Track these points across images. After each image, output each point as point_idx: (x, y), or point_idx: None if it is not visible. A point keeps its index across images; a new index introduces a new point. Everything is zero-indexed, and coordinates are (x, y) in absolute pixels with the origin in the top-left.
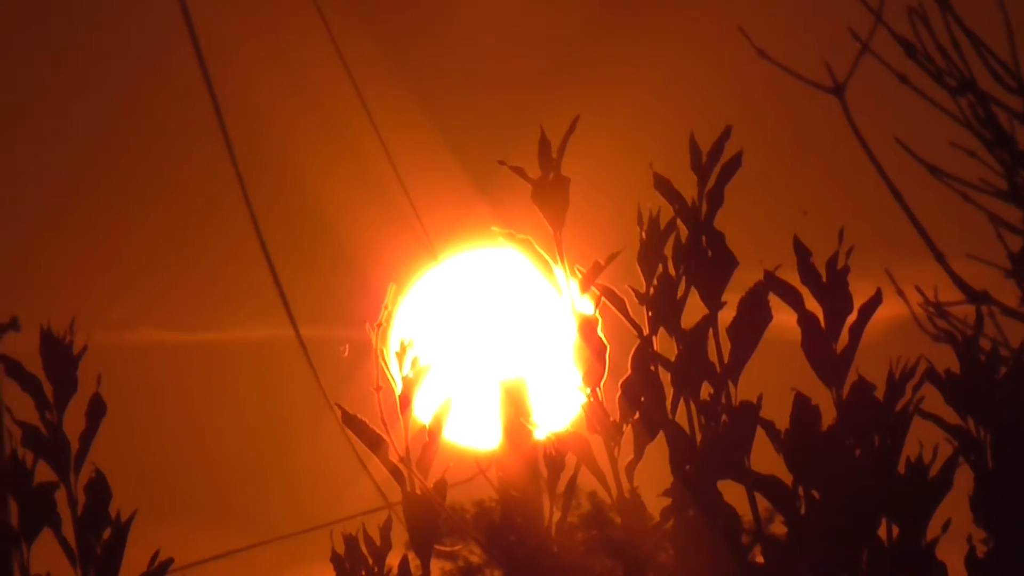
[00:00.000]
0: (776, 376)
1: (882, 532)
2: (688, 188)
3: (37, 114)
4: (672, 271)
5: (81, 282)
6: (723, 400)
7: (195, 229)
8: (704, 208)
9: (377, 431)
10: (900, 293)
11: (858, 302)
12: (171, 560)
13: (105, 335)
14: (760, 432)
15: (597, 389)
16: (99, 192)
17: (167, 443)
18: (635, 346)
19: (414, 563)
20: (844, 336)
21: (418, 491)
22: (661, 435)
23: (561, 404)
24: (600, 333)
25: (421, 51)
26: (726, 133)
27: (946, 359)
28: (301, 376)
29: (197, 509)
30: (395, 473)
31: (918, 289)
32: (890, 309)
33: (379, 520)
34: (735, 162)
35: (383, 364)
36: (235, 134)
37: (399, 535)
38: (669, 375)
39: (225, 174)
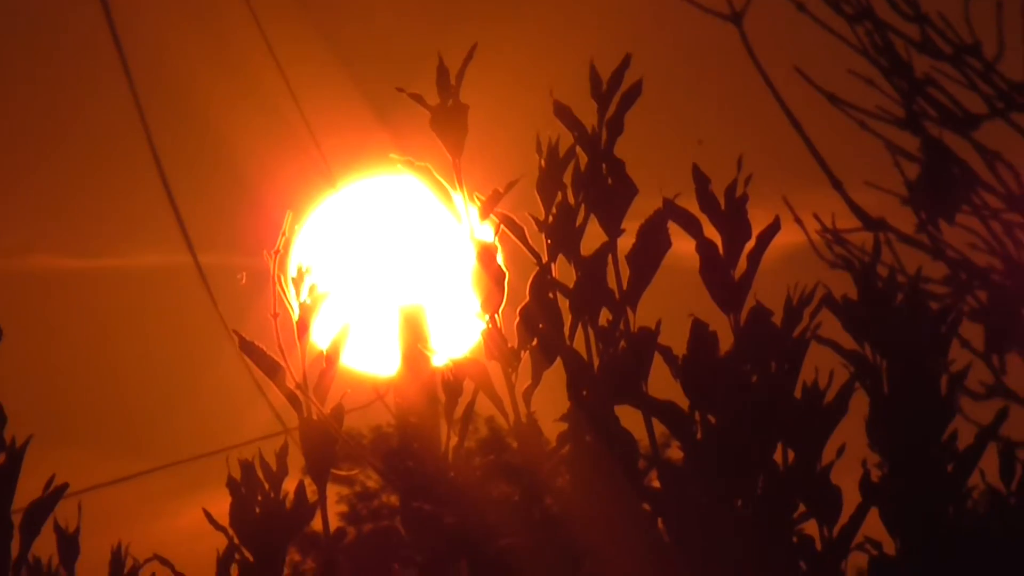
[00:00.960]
0: (675, 303)
1: (778, 457)
2: (588, 117)
3: None
4: (571, 199)
5: None
6: (621, 326)
7: (92, 155)
8: (604, 136)
9: (274, 358)
10: (798, 220)
11: (757, 230)
12: (66, 485)
13: (1, 261)
14: (658, 358)
15: (496, 316)
16: None
17: (64, 370)
18: (534, 273)
19: (310, 488)
20: (742, 263)
21: (315, 417)
22: (559, 361)
23: (459, 331)
24: (499, 260)
25: None
26: (626, 61)
27: (843, 286)
28: (199, 303)
29: (94, 436)
30: (292, 399)
31: (816, 216)
32: (788, 236)
33: (276, 446)
34: (635, 90)
35: (281, 290)
36: (133, 60)
37: (296, 461)
38: (568, 302)
39: (123, 99)
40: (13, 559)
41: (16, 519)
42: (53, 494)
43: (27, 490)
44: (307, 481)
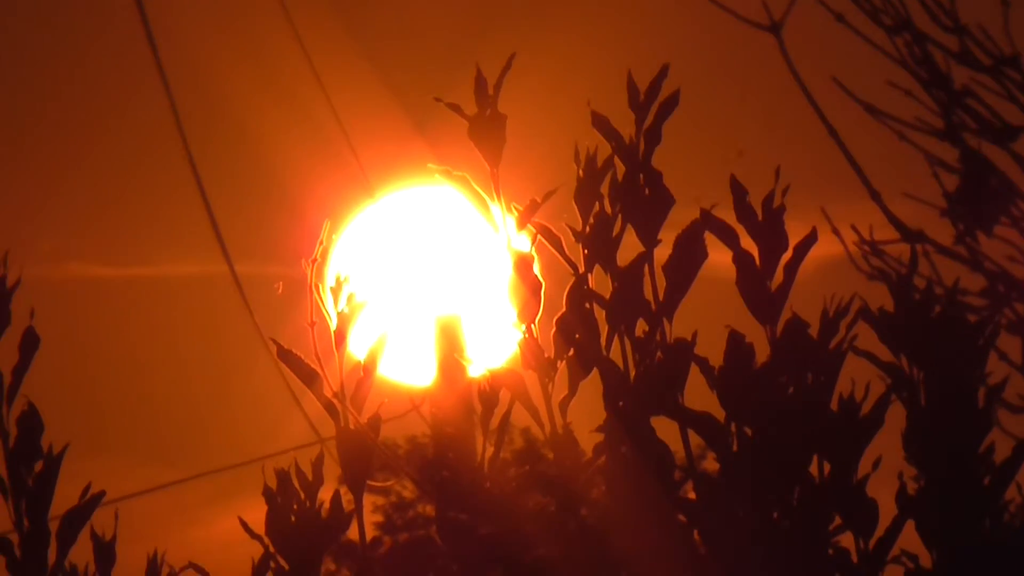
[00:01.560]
0: (711, 314)
1: (814, 469)
2: (625, 127)
3: None
4: (608, 209)
5: (12, 215)
6: (657, 337)
7: (129, 163)
8: (642, 146)
9: (312, 366)
10: (836, 232)
11: (794, 241)
12: (103, 493)
13: (37, 268)
14: (694, 369)
15: (532, 326)
16: (31, 125)
17: (100, 378)
18: (570, 283)
19: (346, 498)
20: (779, 274)
21: (352, 426)
22: (595, 372)
23: (496, 341)
24: (536, 270)
25: None
26: (663, 71)
27: (880, 298)
28: (235, 312)
29: (129, 444)
30: (329, 408)
31: (853, 228)
32: (826, 248)
33: (312, 455)
34: (672, 100)
35: (318, 299)
36: (171, 69)
37: (332, 470)
38: (604, 312)
39: (160, 108)
40: (50, 566)
41: (53, 526)
42: (90, 502)
43: (63, 497)
44: (343, 491)
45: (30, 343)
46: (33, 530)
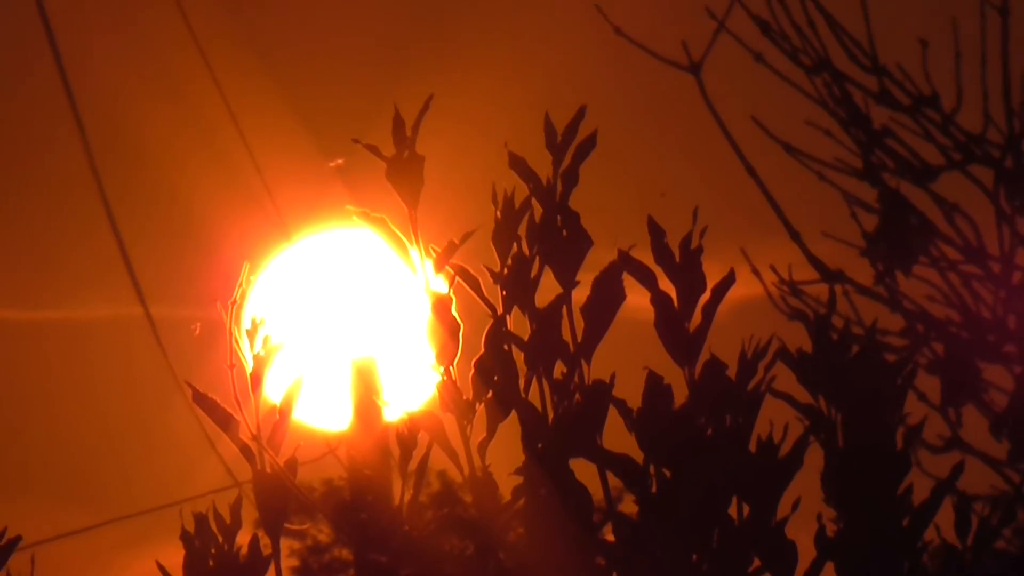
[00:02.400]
0: (629, 356)
1: (733, 511)
2: (543, 168)
3: None
4: (526, 250)
5: None
6: (576, 379)
7: (42, 205)
8: (559, 187)
9: (228, 410)
10: (755, 272)
11: (714, 282)
12: (19, 538)
13: None
14: (613, 411)
15: (450, 367)
16: None
17: (15, 421)
18: (489, 325)
19: (264, 541)
20: (697, 315)
21: (268, 470)
22: (514, 414)
23: (414, 383)
24: (454, 312)
25: (274, 30)
26: (581, 112)
27: (800, 338)
28: (150, 355)
29: (45, 487)
30: (245, 452)
31: (772, 268)
32: (746, 288)
33: (229, 499)
34: (590, 141)
35: (235, 342)
36: (85, 110)
37: (249, 514)
38: (523, 354)
39: (75, 150)
40: None
41: None
42: (6, 546)
43: None
44: (260, 534)
45: None
46: None
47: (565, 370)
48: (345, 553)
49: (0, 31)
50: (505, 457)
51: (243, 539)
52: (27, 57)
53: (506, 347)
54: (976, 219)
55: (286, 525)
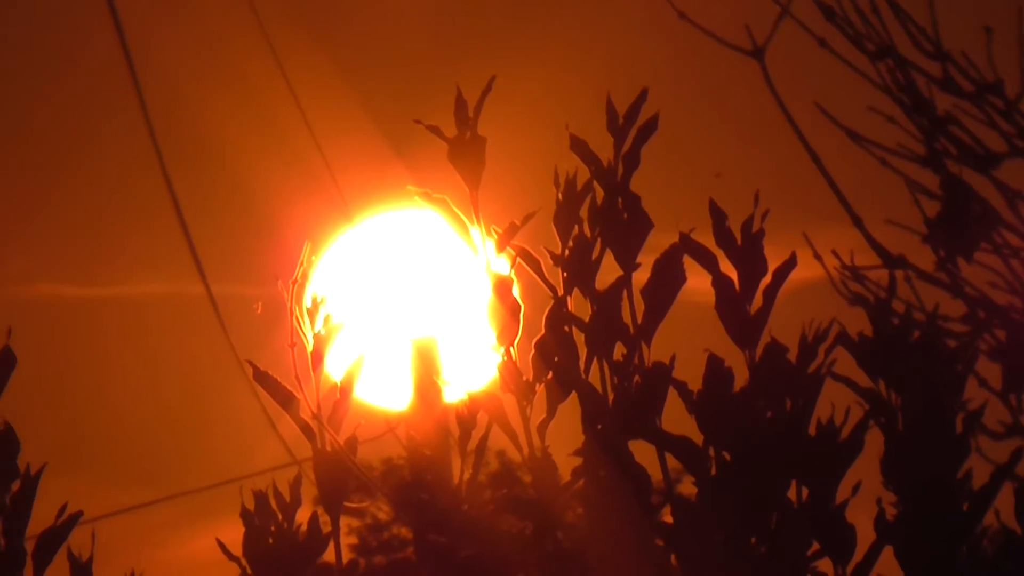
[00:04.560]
0: (689, 338)
1: (792, 494)
2: (605, 150)
3: None
4: (587, 232)
5: None
6: (636, 361)
7: (107, 184)
8: (620, 170)
9: (288, 388)
10: (817, 257)
11: (774, 265)
12: (80, 513)
13: (13, 289)
14: (672, 393)
15: (511, 348)
16: (6, 145)
17: (77, 398)
18: (549, 306)
19: (323, 519)
20: (758, 299)
21: (328, 448)
22: (574, 395)
23: (474, 364)
24: (515, 293)
25: (338, 11)
26: (643, 95)
27: (860, 323)
28: (212, 333)
29: (106, 464)
30: (306, 430)
31: (834, 253)
32: (806, 272)
33: (289, 476)
34: (651, 124)
35: (297, 321)
36: (149, 90)
37: (308, 492)
38: (583, 336)
39: (139, 130)
40: None
41: (29, 546)
42: (67, 522)
43: (40, 518)
44: (320, 512)
45: (6, 363)
46: (9, 550)
47: (625, 352)
48: (404, 532)
49: (68, 11)
50: (564, 438)
51: (303, 517)
52: (90, 35)
53: (567, 328)
54: None
55: (345, 503)
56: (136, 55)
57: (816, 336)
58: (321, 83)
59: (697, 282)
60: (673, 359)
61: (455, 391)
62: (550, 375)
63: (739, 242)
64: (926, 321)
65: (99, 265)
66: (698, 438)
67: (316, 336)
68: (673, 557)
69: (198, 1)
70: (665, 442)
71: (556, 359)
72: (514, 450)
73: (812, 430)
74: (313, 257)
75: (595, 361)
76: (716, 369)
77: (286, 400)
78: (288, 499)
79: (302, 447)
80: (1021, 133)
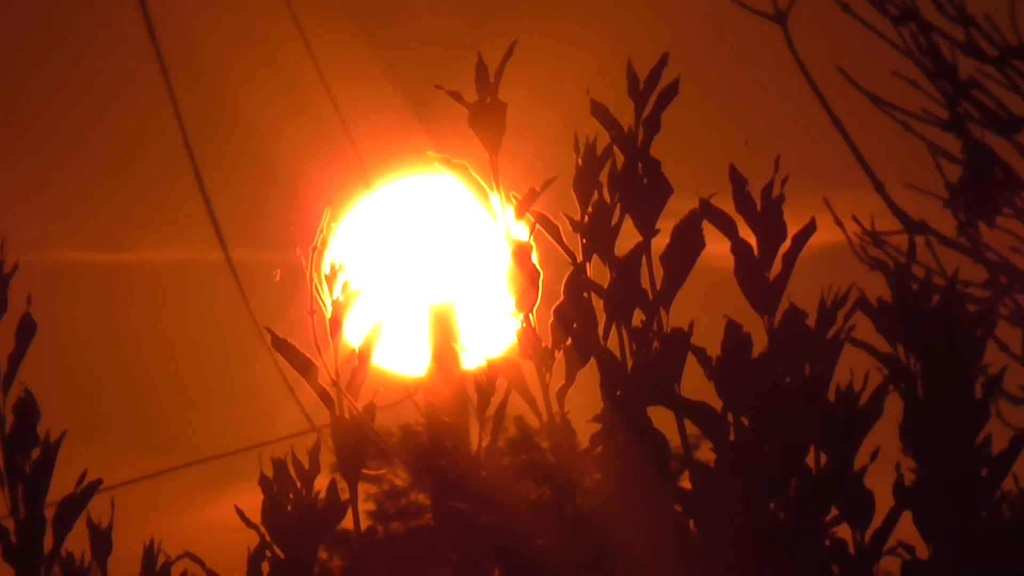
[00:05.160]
0: (709, 304)
1: (811, 460)
2: (625, 116)
3: None
4: (607, 198)
5: (6, 200)
6: (655, 327)
7: (126, 149)
8: (640, 135)
9: (307, 355)
10: (838, 222)
11: (794, 230)
12: (100, 481)
13: (33, 255)
14: (691, 359)
15: (530, 315)
16: (26, 111)
17: (95, 364)
18: (568, 273)
19: (342, 486)
20: (777, 264)
21: (347, 415)
22: (592, 361)
23: (492, 330)
24: (534, 259)
25: None
26: (663, 60)
27: (881, 289)
28: (231, 299)
29: (125, 431)
30: (324, 397)
31: (855, 218)
32: (826, 237)
33: (307, 444)
34: (672, 89)
35: (315, 288)
36: (169, 56)
37: (327, 459)
38: (602, 302)
39: (158, 95)
40: (46, 554)
41: (49, 514)
42: (86, 489)
43: (60, 485)
44: (338, 479)
45: (27, 330)
46: (29, 518)
47: (644, 318)
48: (422, 498)
49: None
50: (583, 404)
51: (321, 484)
52: (115, 8)
53: (586, 295)
54: None
55: (364, 470)
56: (157, 21)
57: (835, 301)
58: (341, 49)
59: (716, 248)
60: (692, 325)
61: (473, 357)
62: (569, 341)
63: (759, 207)
64: (946, 286)
65: (119, 231)
66: (717, 404)
67: (335, 303)
68: (692, 523)
69: None
70: (684, 408)
71: (575, 325)
72: (533, 416)
73: (831, 396)
74: (332, 223)
75: (614, 327)
76: (735, 335)
77: (305, 367)
78: (307, 466)
79: (321, 414)
80: None
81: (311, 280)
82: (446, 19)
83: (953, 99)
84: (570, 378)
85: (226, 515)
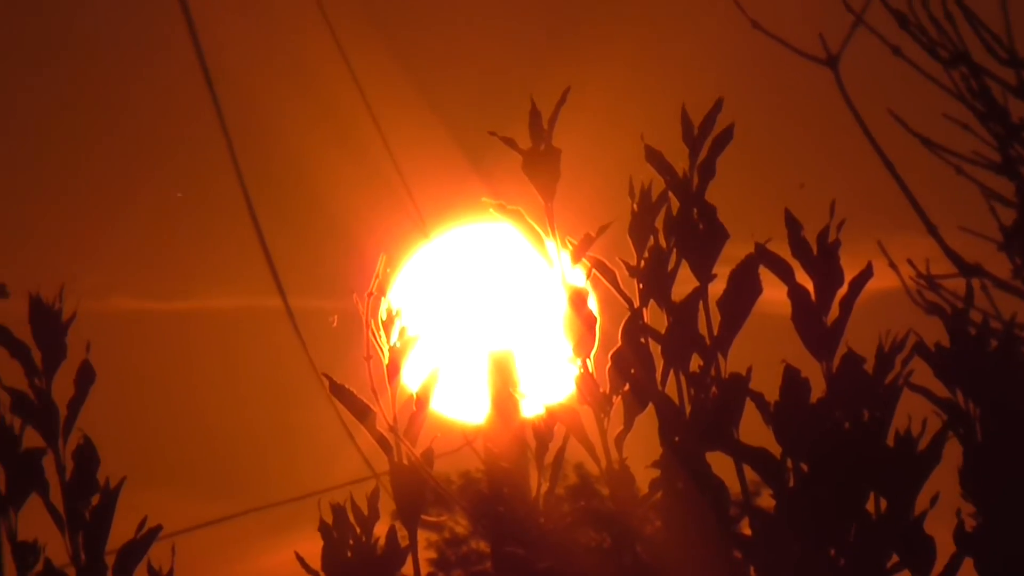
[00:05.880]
0: (766, 349)
1: (870, 506)
2: (679, 161)
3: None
4: (663, 243)
5: (65, 248)
6: (712, 372)
7: (184, 198)
8: (695, 180)
9: (365, 401)
10: (892, 266)
11: (850, 275)
12: (159, 527)
13: (90, 303)
14: (749, 404)
15: (587, 360)
16: (84, 157)
17: (154, 411)
18: (625, 318)
19: (401, 532)
20: (834, 309)
21: (405, 461)
22: (650, 407)
23: (551, 376)
24: (591, 305)
25: (412, 25)
26: (718, 105)
27: (938, 333)
28: (289, 346)
29: (182, 477)
30: (382, 443)
31: (910, 262)
32: (882, 281)
33: (366, 490)
34: (726, 134)
35: (373, 334)
36: (226, 105)
37: (386, 505)
38: (659, 347)
39: (215, 143)
40: None
41: (109, 560)
42: (147, 536)
43: (119, 531)
44: (397, 526)
45: (86, 377)
46: (90, 564)
47: (702, 363)
48: (482, 545)
49: (141, 24)
50: (642, 450)
51: (380, 531)
52: (168, 52)
53: (643, 340)
54: None
55: (423, 516)
56: (213, 69)
57: (893, 346)
58: (396, 95)
59: (773, 293)
60: (750, 370)
61: (532, 404)
62: (627, 387)
63: (815, 252)
64: (1003, 330)
65: (176, 278)
66: (775, 449)
67: (392, 349)
68: (752, 569)
69: (272, 13)
70: (742, 454)
71: (633, 371)
72: (592, 462)
73: (890, 441)
74: (389, 270)
75: (672, 373)
76: (793, 380)
77: (363, 413)
78: (366, 512)
79: (380, 460)
80: None
81: (368, 326)
82: (500, 66)
83: (1005, 142)
84: (628, 424)
85: (285, 562)
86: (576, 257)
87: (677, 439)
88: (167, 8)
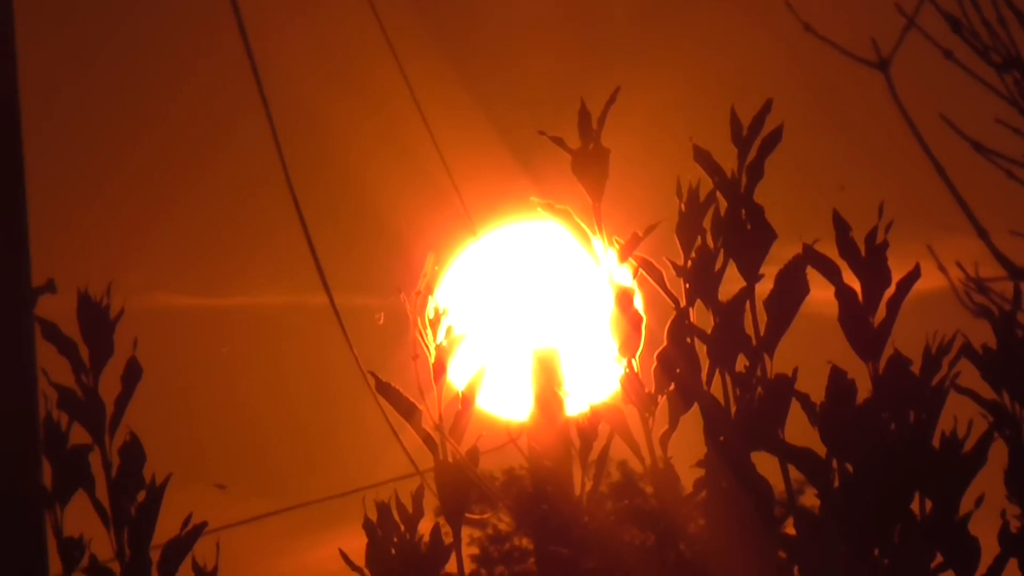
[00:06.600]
0: (812, 350)
1: (915, 506)
2: (728, 161)
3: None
4: (710, 243)
5: (113, 245)
6: (758, 372)
7: (230, 195)
8: (744, 181)
9: (410, 399)
10: (941, 268)
11: (897, 276)
12: (205, 524)
13: (138, 299)
14: (795, 405)
15: (633, 360)
16: (133, 156)
17: (200, 409)
18: (672, 318)
19: (445, 530)
20: (881, 310)
21: (450, 459)
22: (696, 407)
23: (596, 375)
24: (637, 304)
25: (462, 24)
26: (767, 106)
27: (985, 335)
28: (335, 344)
29: (229, 474)
30: (428, 441)
31: (959, 265)
32: (930, 283)
33: (411, 487)
34: (776, 135)
35: (419, 332)
36: (274, 101)
37: (431, 503)
38: (705, 347)
39: (263, 141)
40: None
41: (154, 556)
42: (192, 532)
43: (164, 528)
44: (442, 523)
45: (133, 374)
46: (135, 560)
47: (748, 363)
48: (525, 542)
49: (192, 25)
50: (687, 449)
51: (425, 528)
52: (219, 53)
53: (689, 340)
54: None
55: (467, 514)
56: (263, 68)
57: (940, 348)
58: (445, 94)
59: (820, 293)
60: (796, 371)
61: (577, 402)
62: (672, 387)
63: (863, 253)
64: None
65: (223, 276)
66: (821, 450)
67: (438, 347)
68: (796, 569)
69: (323, 14)
70: (788, 454)
71: (678, 371)
72: (636, 461)
73: (936, 442)
74: (436, 268)
75: (717, 373)
76: (839, 381)
77: (408, 411)
78: (410, 510)
79: (424, 458)
80: None
81: (415, 325)
82: (550, 66)
83: None
84: (673, 423)
85: (329, 557)
86: (623, 256)
87: (722, 439)
88: (218, 9)
